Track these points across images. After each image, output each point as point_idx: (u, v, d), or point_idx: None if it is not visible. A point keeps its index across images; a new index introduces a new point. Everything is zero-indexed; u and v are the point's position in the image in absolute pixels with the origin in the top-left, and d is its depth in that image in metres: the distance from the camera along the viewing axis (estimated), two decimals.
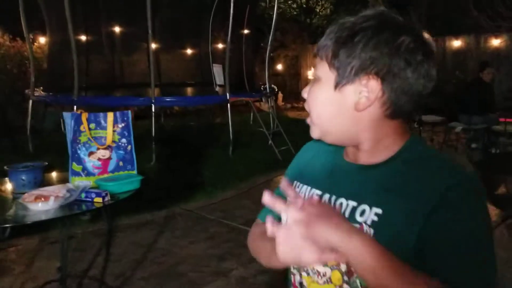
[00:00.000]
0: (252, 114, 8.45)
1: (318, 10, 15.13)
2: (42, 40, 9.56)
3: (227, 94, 6.46)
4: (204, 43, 8.91)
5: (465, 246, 0.71)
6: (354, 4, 12.48)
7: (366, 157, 0.84)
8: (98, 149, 2.16)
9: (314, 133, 0.87)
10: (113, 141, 2.18)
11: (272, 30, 7.77)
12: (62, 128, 8.97)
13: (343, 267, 0.80)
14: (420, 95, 0.80)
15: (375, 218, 0.76)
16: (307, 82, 13.55)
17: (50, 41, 7.85)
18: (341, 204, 0.82)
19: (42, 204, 1.77)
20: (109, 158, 2.20)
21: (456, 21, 10.07)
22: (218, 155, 6.25)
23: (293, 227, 0.66)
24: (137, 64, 9.29)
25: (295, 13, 15.07)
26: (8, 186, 2.11)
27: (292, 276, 0.91)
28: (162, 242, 3.57)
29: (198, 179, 5.26)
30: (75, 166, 2.16)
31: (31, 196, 1.81)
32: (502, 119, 6.35)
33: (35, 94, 7.07)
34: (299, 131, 8.30)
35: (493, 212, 4.29)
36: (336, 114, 0.82)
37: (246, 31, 8.59)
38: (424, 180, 0.75)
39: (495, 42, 9.91)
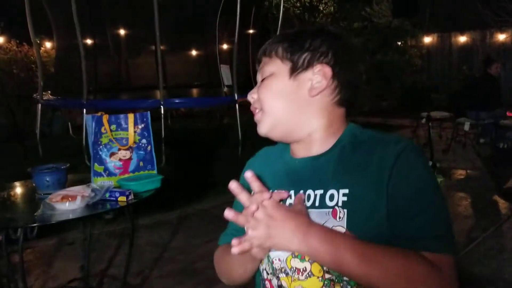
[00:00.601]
0: None
1: (321, 8, 15.15)
2: (48, 44, 9.64)
3: (235, 95, 6.50)
4: (210, 44, 8.95)
5: (430, 204, 0.78)
6: (357, 1, 12.51)
7: (317, 147, 0.89)
8: (119, 150, 2.20)
9: (264, 127, 0.90)
10: (134, 142, 2.22)
11: (278, 29, 7.79)
12: (70, 132, 9.06)
13: None
14: (359, 88, 0.91)
15: (345, 199, 0.81)
16: None
17: (57, 45, 7.91)
18: (309, 195, 0.85)
19: (69, 204, 1.82)
20: (130, 159, 2.24)
21: (461, 17, 10.08)
22: (227, 155, 6.29)
23: (254, 242, 0.74)
24: (143, 67, 9.35)
25: (298, 11, 15.09)
26: (33, 187, 2.16)
27: (266, 282, 0.90)
28: (177, 241, 3.61)
29: (209, 179, 5.30)
30: (97, 167, 2.21)
31: (57, 196, 1.86)
32: (509, 114, 6.37)
33: (44, 98, 7.12)
34: None
35: (503, 205, 4.32)
36: (291, 102, 0.88)
37: (252, 31, 8.63)
38: (375, 154, 0.81)
39: (501, 37, 9.90)
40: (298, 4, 14.85)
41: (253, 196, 0.77)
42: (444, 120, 7.24)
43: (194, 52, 9.72)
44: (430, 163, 5.06)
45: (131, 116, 2.20)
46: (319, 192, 0.84)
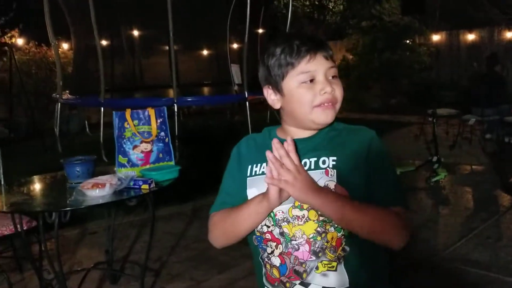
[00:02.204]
0: (269, 112, 8.68)
1: (331, 7, 15.27)
2: (66, 46, 9.93)
3: (245, 93, 6.70)
4: (221, 44, 9.16)
5: (391, 174, 1.13)
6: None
7: (308, 133, 1.14)
8: (141, 142, 2.43)
9: (333, 117, 1.12)
10: (155, 135, 2.45)
11: (287, 28, 7.96)
12: (87, 130, 9.34)
13: None
14: None
15: (334, 163, 1.08)
16: None
17: (75, 46, 8.16)
18: (305, 162, 1.09)
19: (99, 191, 2.05)
20: (151, 151, 2.47)
21: (469, 15, 10.17)
22: None
23: (282, 183, 1.01)
24: (157, 66, 9.60)
25: (308, 10, 15.23)
26: (64, 177, 2.40)
27: (267, 234, 1.10)
28: (192, 230, 3.84)
29: (221, 174, 5.49)
30: (121, 159, 2.44)
31: (88, 184, 2.09)
32: None
33: (63, 97, 7.38)
34: None
35: (504, 198, 4.48)
36: None
37: (261, 31, 8.82)
38: (353, 137, 1.13)
39: (509, 34, 9.98)
40: (307, 3, 14.97)
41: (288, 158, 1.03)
42: (451, 117, 7.38)
43: (205, 52, 9.96)
44: (435, 158, 5.23)
45: (152, 111, 2.43)
46: (313, 159, 1.10)
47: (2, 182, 2.72)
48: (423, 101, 8.71)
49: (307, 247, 1.05)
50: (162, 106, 2.58)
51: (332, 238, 1.05)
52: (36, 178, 2.64)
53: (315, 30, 13.77)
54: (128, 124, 2.42)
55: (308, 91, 1.09)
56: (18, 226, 2.38)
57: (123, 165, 2.44)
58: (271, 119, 8.29)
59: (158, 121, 2.48)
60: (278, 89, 1.14)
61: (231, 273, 3.00)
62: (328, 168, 1.07)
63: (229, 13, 8.30)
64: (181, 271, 3.10)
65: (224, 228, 1.16)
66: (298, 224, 1.06)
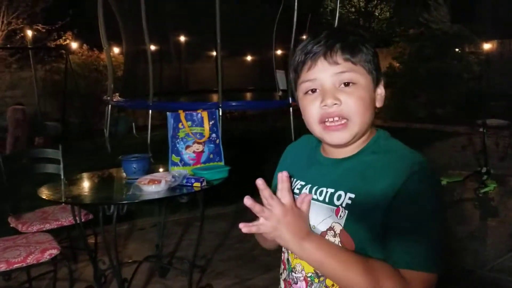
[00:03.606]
0: None
1: (377, 14, 15.13)
2: (116, 50, 10.31)
3: (289, 99, 6.75)
4: (266, 50, 9.28)
5: (419, 220, 0.85)
6: (414, 6, 12.43)
7: (348, 151, 0.96)
8: (194, 143, 2.53)
9: (347, 137, 0.93)
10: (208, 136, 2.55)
11: None
12: (134, 131, 9.65)
13: None
14: None
15: (349, 202, 0.90)
16: None
17: (126, 50, 8.47)
18: (322, 191, 0.95)
19: (155, 186, 2.16)
20: (202, 151, 2.57)
21: None
22: (280, 156, 6.55)
23: (261, 228, 0.86)
24: (202, 71, 9.83)
25: (353, 17, 15.16)
26: (122, 173, 2.53)
27: (282, 254, 1.04)
28: (235, 231, 3.92)
29: (263, 178, 5.59)
30: (174, 158, 2.55)
31: (145, 180, 2.21)
32: None
33: (114, 100, 7.67)
34: None
35: None
36: (372, 113, 0.94)
37: (306, 37, 8.87)
38: (390, 168, 0.89)
39: None
40: (353, 10, 14.91)
41: (278, 194, 0.88)
42: (501, 128, 7.16)
43: (250, 57, 10.11)
44: (485, 169, 5.10)
45: (205, 114, 2.53)
46: (330, 190, 0.94)
47: (62, 177, 2.90)
48: (472, 111, 8.49)
49: (304, 284, 0.96)
50: (207, 109, 2.69)
51: (333, 285, 0.92)
52: (93, 173, 2.80)
53: None
54: (182, 125, 2.53)
55: (310, 103, 0.94)
56: (77, 218, 2.52)
57: (175, 164, 2.55)
58: None
59: (210, 123, 2.58)
60: (295, 98, 1.02)
61: (275, 273, 3.04)
62: (340, 207, 0.91)
63: (275, 19, 8.40)
64: (225, 269, 3.18)
65: (258, 236, 1.09)
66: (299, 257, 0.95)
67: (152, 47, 8.20)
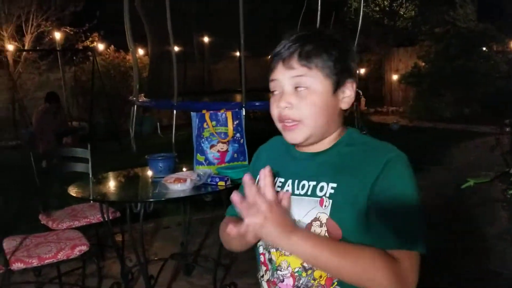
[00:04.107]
0: None
1: (402, 13, 14.93)
2: (141, 51, 10.47)
3: None
4: None
5: (402, 208, 0.90)
6: (440, 5, 12.22)
7: (322, 146, 1.00)
8: (218, 142, 2.56)
9: (300, 137, 0.98)
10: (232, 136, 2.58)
11: (357, 34, 7.91)
12: (158, 131, 9.78)
13: None
14: None
15: (332, 191, 0.94)
16: (391, 86, 13.49)
17: (151, 52, 8.60)
18: (303, 185, 0.98)
19: (180, 185, 2.20)
20: (226, 151, 2.60)
21: None
22: None
23: (249, 228, 0.84)
24: (225, 72, 9.91)
25: (378, 16, 14.99)
26: (148, 172, 2.58)
27: (261, 256, 1.04)
28: None
29: None
30: (199, 157, 2.59)
31: (171, 179, 2.25)
32: None
33: (139, 100, 7.78)
34: (384, 134, 8.40)
35: None
36: (330, 117, 0.98)
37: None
38: (367, 157, 0.94)
39: None
40: (377, 9, 14.74)
41: (261, 191, 0.87)
42: None
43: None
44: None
45: (229, 114, 2.57)
46: (312, 183, 0.97)
47: (91, 175, 2.97)
48: (499, 110, 8.31)
49: (291, 281, 0.97)
50: (230, 109, 2.72)
51: (321, 276, 0.94)
52: (120, 172, 2.87)
53: (384, 36, 13.54)
54: (207, 124, 2.57)
55: (272, 102, 1.00)
56: (105, 215, 2.59)
57: (200, 163, 2.59)
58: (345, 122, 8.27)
59: (235, 123, 2.61)
60: None
61: None
62: (324, 197, 0.94)
63: (299, 19, 8.39)
64: (249, 268, 3.20)
65: (223, 238, 1.12)
66: (285, 254, 0.97)
67: (177, 48, 8.31)
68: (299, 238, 0.86)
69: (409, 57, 12.79)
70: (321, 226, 0.93)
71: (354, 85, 1.00)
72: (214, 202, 4.13)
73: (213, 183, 2.35)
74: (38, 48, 9.94)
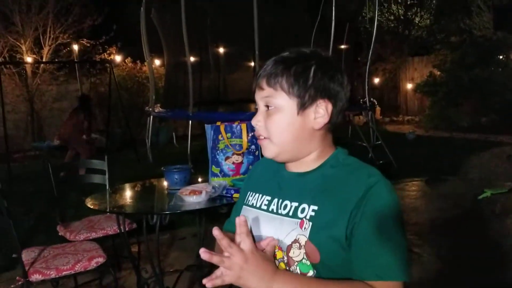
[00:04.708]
0: (350, 127, 8.63)
1: (417, 21, 14.86)
2: (157, 62, 10.60)
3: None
4: None
5: (381, 233, 0.90)
6: (456, 13, 12.14)
7: (306, 166, 1.02)
8: (233, 154, 2.58)
9: (270, 154, 1.01)
10: (246, 148, 2.59)
11: (372, 44, 7.90)
12: (174, 141, 9.84)
13: (285, 259, 0.97)
14: (344, 111, 1.03)
15: (313, 214, 0.94)
16: (407, 95, 13.41)
17: (167, 62, 8.69)
18: (286, 205, 0.99)
19: (196, 197, 2.22)
20: (241, 162, 2.60)
21: None
22: None
23: (226, 278, 0.87)
24: (239, 82, 9.96)
25: (392, 25, 14.94)
26: (164, 183, 2.61)
27: None
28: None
29: None
30: (214, 168, 2.60)
31: (186, 191, 2.27)
32: None
33: (155, 110, 7.86)
34: (399, 144, 8.34)
35: None
36: (298, 135, 0.98)
37: (345, 46, 8.85)
38: (349, 181, 0.95)
39: None
40: (392, 18, 14.70)
41: (236, 239, 0.90)
42: None
43: None
44: None
45: (244, 126, 2.57)
46: (294, 204, 0.99)
47: (107, 187, 3.01)
48: None
49: None
50: (247, 119, 2.72)
51: None
52: (136, 183, 2.90)
53: (399, 45, 13.49)
54: (222, 136, 2.58)
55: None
56: (122, 227, 2.61)
57: (215, 175, 2.60)
58: (352, 134, 8.26)
59: (250, 134, 2.62)
60: None
61: None
62: (304, 219, 0.95)
63: (313, 28, 8.42)
64: None
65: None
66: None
67: (192, 59, 8.40)
68: (280, 284, 0.88)
69: (424, 66, 12.71)
70: (299, 248, 0.94)
71: (330, 105, 0.98)
72: (229, 213, 4.15)
73: (228, 195, 2.36)
74: (56, 60, 10.12)
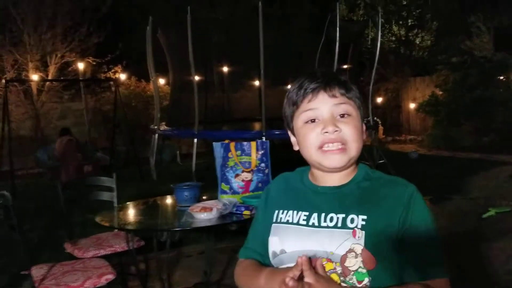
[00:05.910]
0: None
1: (418, 42, 15.01)
2: (162, 81, 10.69)
3: None
4: None
5: (432, 239, 1.00)
6: (456, 34, 12.25)
7: (341, 179, 1.07)
8: (242, 172, 2.60)
9: (344, 161, 1.04)
10: (255, 166, 2.62)
11: (375, 63, 7.98)
12: (178, 160, 9.85)
13: (339, 270, 0.99)
14: None
15: (364, 223, 0.99)
16: (409, 115, 13.46)
17: (172, 81, 8.76)
18: (331, 217, 1.02)
19: (206, 214, 2.23)
20: (251, 180, 2.63)
21: None
22: None
23: None
24: (244, 101, 10.03)
25: (394, 46, 15.09)
26: (171, 200, 2.63)
27: None
28: None
29: None
30: (224, 186, 2.63)
31: (197, 208, 2.29)
32: None
33: (160, 129, 7.90)
34: (402, 163, 8.35)
35: None
36: (362, 141, 1.06)
37: (348, 66, 8.93)
38: (387, 191, 1.03)
39: None
40: (393, 38, 14.85)
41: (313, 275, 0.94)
42: None
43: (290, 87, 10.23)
44: None
45: (253, 144, 2.61)
46: (341, 215, 1.02)
47: (115, 204, 3.02)
48: None
49: None
50: (251, 138, 2.76)
51: None
52: (144, 201, 2.91)
53: (401, 66, 13.61)
54: (231, 154, 2.61)
55: (310, 131, 1.05)
56: (130, 244, 2.62)
57: (225, 192, 2.62)
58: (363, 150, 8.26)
59: (259, 153, 2.65)
60: (291, 130, 1.12)
61: None
62: (356, 229, 0.99)
63: (317, 48, 8.51)
64: None
65: (240, 282, 1.17)
66: None
67: (197, 77, 8.48)
68: None
69: (426, 86, 12.80)
70: (356, 257, 0.98)
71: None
72: (234, 231, 4.15)
73: (238, 212, 2.38)
74: (61, 78, 10.21)
